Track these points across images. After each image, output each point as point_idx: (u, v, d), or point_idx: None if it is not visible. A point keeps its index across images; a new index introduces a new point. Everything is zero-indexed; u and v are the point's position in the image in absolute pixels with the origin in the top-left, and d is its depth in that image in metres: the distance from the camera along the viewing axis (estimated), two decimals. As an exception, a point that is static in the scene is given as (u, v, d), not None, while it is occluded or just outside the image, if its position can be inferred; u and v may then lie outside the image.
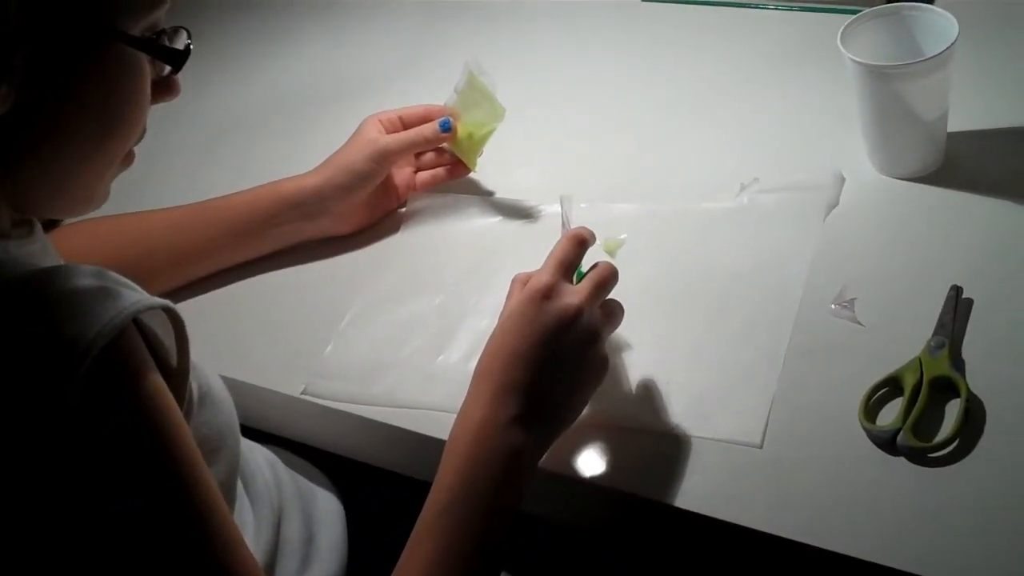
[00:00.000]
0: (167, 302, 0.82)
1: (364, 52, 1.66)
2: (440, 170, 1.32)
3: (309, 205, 1.25)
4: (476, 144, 1.29)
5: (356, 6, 1.75)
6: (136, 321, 0.78)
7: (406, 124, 1.28)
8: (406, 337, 1.19)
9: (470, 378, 1.09)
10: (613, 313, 1.03)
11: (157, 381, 0.79)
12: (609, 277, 1.02)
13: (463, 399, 0.99)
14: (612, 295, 1.03)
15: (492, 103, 1.28)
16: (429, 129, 1.27)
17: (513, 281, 1.03)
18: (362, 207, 1.29)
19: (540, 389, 0.96)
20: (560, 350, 0.96)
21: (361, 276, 1.27)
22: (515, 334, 0.97)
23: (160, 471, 0.78)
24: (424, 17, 1.70)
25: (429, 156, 1.33)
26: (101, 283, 0.78)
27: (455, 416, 1.03)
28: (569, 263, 1.01)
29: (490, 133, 1.29)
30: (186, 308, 1.22)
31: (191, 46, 0.88)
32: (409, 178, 1.32)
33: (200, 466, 0.80)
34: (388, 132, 1.27)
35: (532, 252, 1.20)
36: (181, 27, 0.88)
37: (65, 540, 0.75)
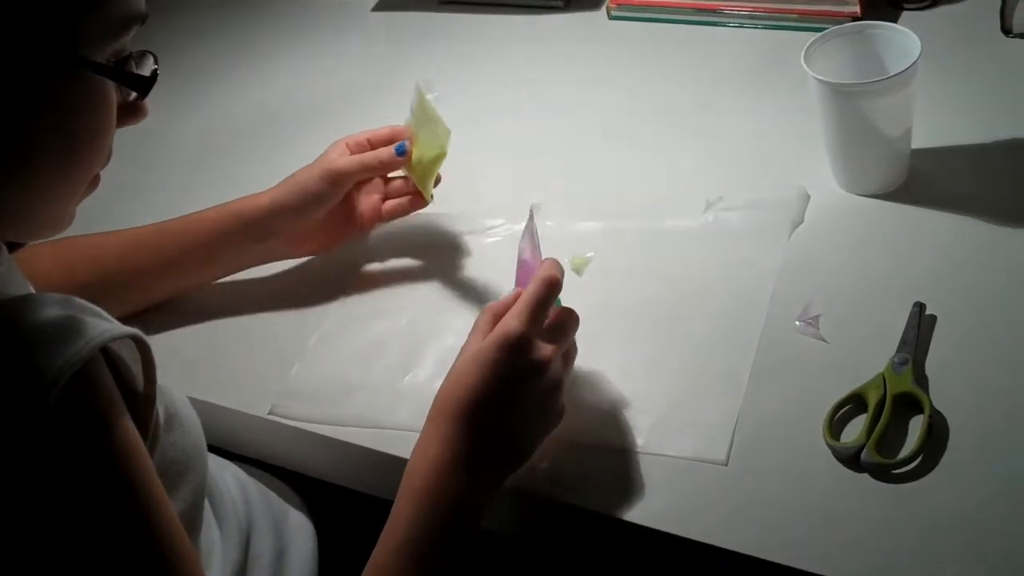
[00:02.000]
0: (135, 331, 0.82)
1: (342, 68, 1.66)
2: (404, 199, 1.27)
3: (260, 225, 1.22)
4: (426, 169, 1.23)
5: (332, 24, 1.75)
6: (105, 349, 0.79)
7: (373, 146, 1.24)
8: (373, 357, 1.18)
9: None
10: (570, 357, 1.04)
11: (122, 412, 0.79)
12: (574, 325, 1.03)
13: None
14: (577, 312, 1.04)
15: (438, 125, 1.20)
16: (385, 152, 1.23)
17: (483, 311, 1.03)
18: (319, 231, 1.25)
19: (498, 435, 0.97)
20: (522, 402, 0.98)
21: (328, 295, 1.26)
22: (479, 378, 0.96)
23: (120, 500, 0.78)
24: (397, 34, 1.70)
25: (398, 184, 1.28)
26: (68, 312, 0.78)
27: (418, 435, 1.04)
28: (543, 309, 1.00)
29: (439, 158, 1.21)
30: (153, 329, 1.23)
31: (157, 71, 0.88)
32: (376, 205, 1.27)
33: (160, 499, 0.81)
34: (353, 154, 1.23)
35: (498, 269, 1.22)
36: (148, 51, 0.88)
37: (24, 569, 0.75)
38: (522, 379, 0.97)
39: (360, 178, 1.23)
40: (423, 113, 1.21)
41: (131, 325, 0.83)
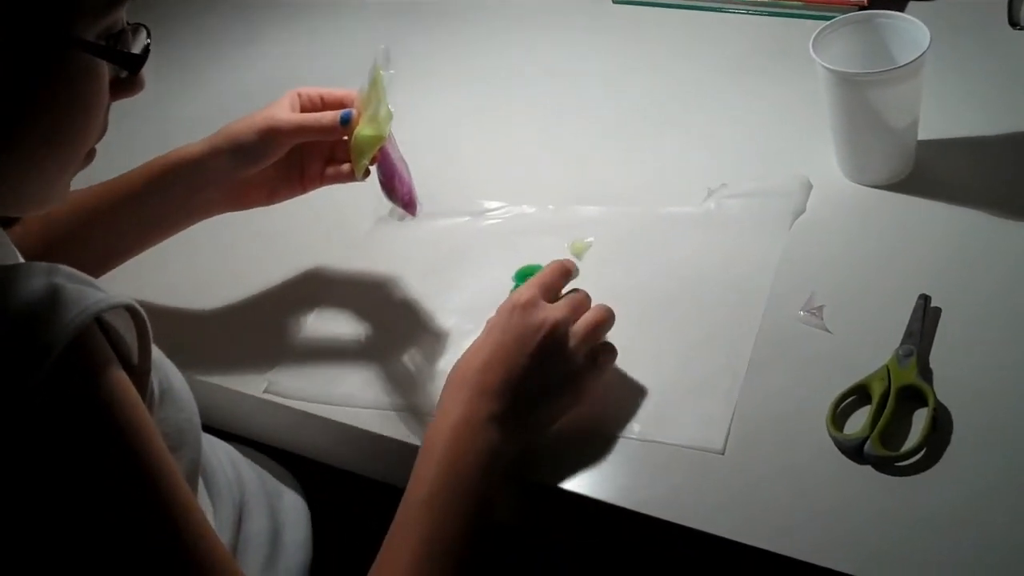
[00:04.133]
0: (130, 300, 0.81)
1: (338, 51, 1.64)
2: (345, 167, 1.17)
3: (193, 175, 1.16)
4: (361, 147, 1.12)
5: (328, 6, 1.73)
6: (99, 320, 0.77)
7: (326, 104, 1.17)
8: (371, 336, 1.17)
9: (435, 379, 1.10)
10: (607, 350, 1.05)
11: (121, 377, 0.78)
12: (585, 299, 1.05)
13: (427, 400, 1.07)
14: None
15: (381, 106, 1.11)
16: (328, 117, 1.13)
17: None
18: (259, 185, 1.18)
19: (514, 391, 0.99)
20: (534, 357, 1.00)
21: (326, 274, 1.25)
22: (491, 342, 1.01)
23: (127, 466, 0.77)
24: (387, 18, 1.68)
25: (344, 148, 1.18)
26: (62, 282, 0.76)
27: (419, 417, 1.08)
28: (550, 286, 1.05)
29: (375, 139, 1.11)
30: (146, 307, 1.21)
31: (150, 46, 0.87)
32: (318, 168, 1.19)
33: (166, 459, 0.79)
34: (304, 110, 1.16)
35: (496, 252, 1.21)
36: (141, 25, 0.87)
37: (34, 539, 0.74)
38: (531, 334, 1.00)
39: (298, 140, 1.15)
40: (373, 88, 1.12)
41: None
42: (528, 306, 1.01)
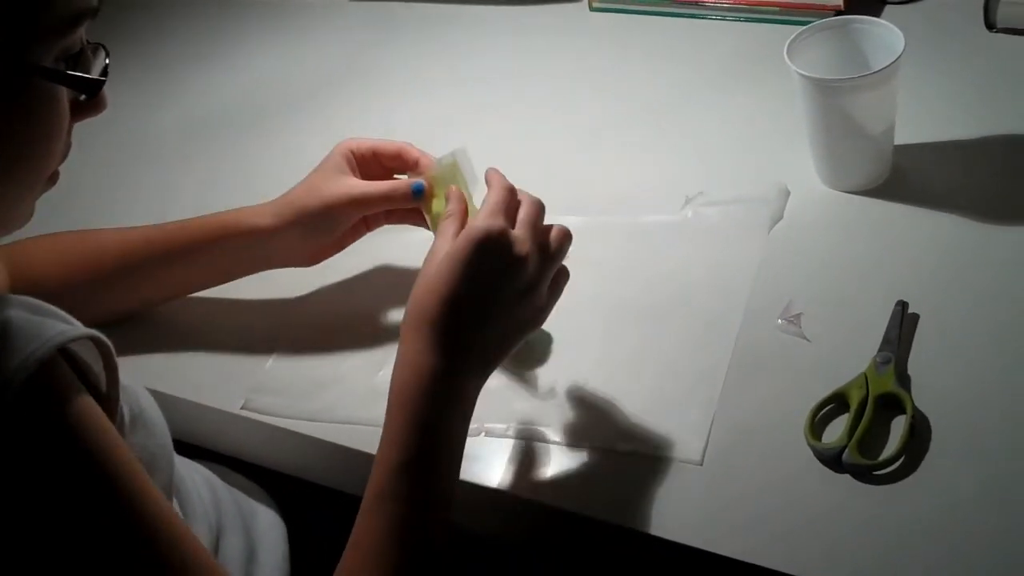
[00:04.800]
0: (93, 332, 0.80)
1: (321, 57, 1.64)
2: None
3: (259, 246, 1.17)
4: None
5: (311, 12, 1.73)
6: (65, 350, 0.77)
7: (380, 160, 1.16)
8: (347, 351, 1.17)
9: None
10: (563, 274, 1.01)
11: (89, 403, 0.77)
12: (540, 212, 1.00)
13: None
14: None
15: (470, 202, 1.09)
16: (402, 191, 1.13)
17: (445, 220, 1.00)
18: (322, 250, 1.19)
19: (480, 335, 0.94)
20: (501, 297, 0.95)
21: (303, 289, 1.24)
22: (457, 277, 0.93)
23: (101, 489, 0.76)
24: (375, 24, 1.68)
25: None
26: (24, 314, 0.76)
27: None
28: (507, 209, 0.98)
29: None
30: (125, 323, 1.21)
31: (108, 67, 0.86)
32: (381, 218, 1.20)
33: (142, 477, 0.78)
34: (360, 168, 1.16)
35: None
36: (100, 45, 0.85)
37: (12, 570, 0.74)
38: (502, 274, 0.95)
39: (370, 212, 1.17)
40: (451, 173, 1.11)
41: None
42: (500, 240, 0.94)
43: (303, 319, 1.21)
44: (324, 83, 1.58)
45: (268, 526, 1.12)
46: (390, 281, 1.23)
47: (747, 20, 1.49)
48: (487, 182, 1.01)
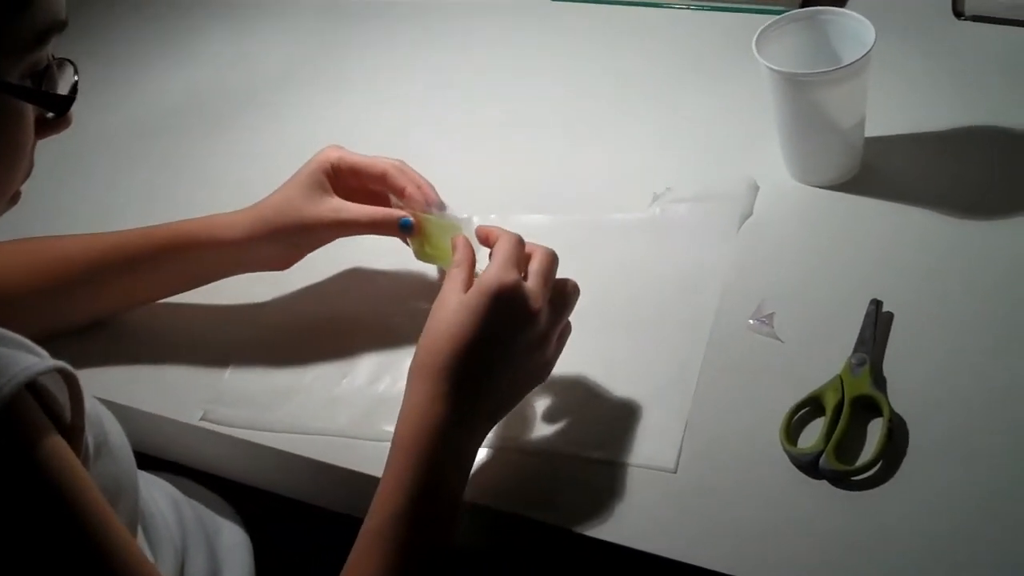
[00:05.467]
0: (61, 364, 0.78)
1: (273, 49, 1.61)
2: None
3: (226, 257, 1.15)
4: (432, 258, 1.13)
5: (250, 10, 1.69)
6: (30, 383, 0.74)
7: (362, 180, 1.13)
8: (309, 360, 1.14)
9: (377, 402, 1.06)
10: (566, 329, 1.01)
11: (56, 442, 0.75)
12: (553, 265, 0.99)
13: (369, 425, 1.03)
14: None
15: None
16: (391, 221, 1.10)
17: (455, 268, 0.98)
18: (294, 257, 1.17)
19: (489, 387, 0.94)
20: (514, 351, 0.94)
21: (263, 295, 1.21)
22: (471, 328, 0.92)
23: (68, 532, 0.74)
24: (329, 14, 1.64)
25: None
26: None
27: (360, 443, 1.04)
28: (518, 262, 0.97)
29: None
30: (80, 332, 1.18)
31: (77, 84, 0.83)
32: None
33: (109, 519, 0.77)
34: (336, 180, 1.12)
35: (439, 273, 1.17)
36: (67, 60, 0.83)
37: None
38: (515, 327, 0.94)
39: (358, 233, 1.14)
40: (444, 230, 1.09)
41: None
42: (515, 293, 0.94)
43: (262, 327, 1.18)
44: (276, 81, 1.54)
45: (233, 543, 1.09)
46: (352, 287, 1.20)
47: (713, 9, 1.46)
48: (487, 235, 1.01)
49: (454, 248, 1.01)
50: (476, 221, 1.06)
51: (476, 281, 0.95)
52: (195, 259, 1.15)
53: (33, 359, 0.75)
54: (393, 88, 1.48)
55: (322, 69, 1.54)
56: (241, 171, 1.34)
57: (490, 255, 0.99)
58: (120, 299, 1.18)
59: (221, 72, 1.58)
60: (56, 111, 0.82)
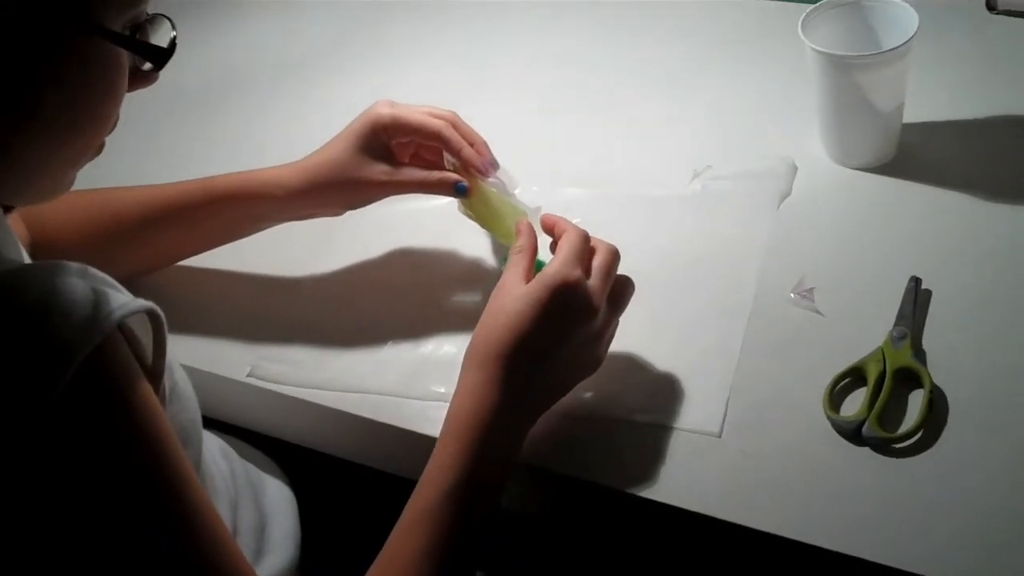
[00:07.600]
0: (151, 305, 0.80)
1: (307, 26, 1.64)
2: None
3: (285, 210, 1.17)
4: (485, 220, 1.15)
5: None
6: (119, 323, 0.76)
7: (413, 135, 1.14)
8: (357, 322, 1.16)
9: (420, 363, 1.09)
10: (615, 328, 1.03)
11: (142, 387, 0.77)
12: (615, 261, 1.01)
13: (413, 384, 1.06)
14: None
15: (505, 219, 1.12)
16: (446, 183, 1.12)
17: (513, 253, 1.00)
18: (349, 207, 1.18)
19: (543, 379, 0.96)
20: (569, 345, 0.96)
21: (313, 258, 1.23)
22: (530, 319, 0.94)
23: (149, 479, 0.76)
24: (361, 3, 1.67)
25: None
26: (87, 284, 0.75)
27: (404, 401, 1.06)
28: (584, 258, 0.99)
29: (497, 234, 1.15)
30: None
31: (176, 39, 0.85)
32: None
33: (187, 468, 0.78)
34: (387, 134, 1.13)
35: (479, 234, 1.19)
36: (163, 16, 0.85)
37: (54, 547, 0.73)
38: (574, 322, 0.95)
39: (410, 192, 1.15)
40: (505, 206, 1.13)
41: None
42: (577, 290, 0.95)
43: (313, 289, 1.20)
44: (312, 49, 1.58)
45: (278, 498, 1.11)
46: (397, 252, 1.23)
47: (749, -3, 1.49)
48: (553, 225, 1.02)
49: (518, 233, 1.02)
50: (542, 211, 1.08)
51: (540, 274, 0.97)
52: (248, 209, 1.17)
53: (125, 298, 0.76)
54: (434, 72, 1.50)
55: (372, 38, 1.58)
56: (292, 133, 1.37)
57: (551, 245, 1.01)
58: (172, 249, 1.20)
59: (259, 44, 1.62)
60: (156, 62, 0.83)
